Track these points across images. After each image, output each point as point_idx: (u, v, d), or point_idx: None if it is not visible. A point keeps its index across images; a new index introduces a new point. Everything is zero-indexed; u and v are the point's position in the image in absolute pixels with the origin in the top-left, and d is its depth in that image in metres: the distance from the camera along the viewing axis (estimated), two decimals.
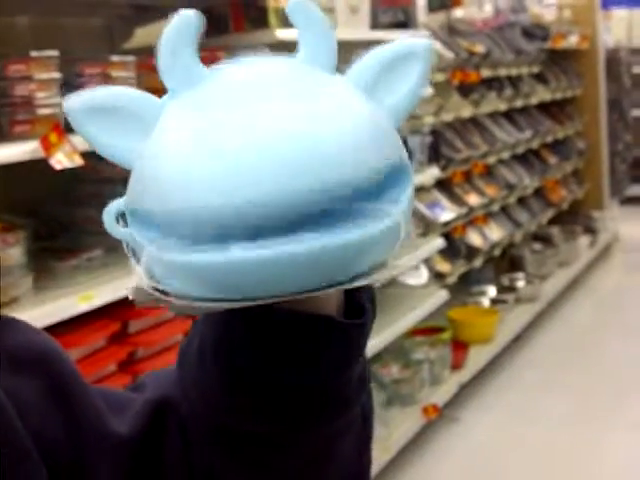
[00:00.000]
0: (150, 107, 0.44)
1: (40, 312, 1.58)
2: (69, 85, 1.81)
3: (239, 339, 0.48)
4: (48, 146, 1.62)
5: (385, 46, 0.46)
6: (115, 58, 1.92)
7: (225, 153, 0.39)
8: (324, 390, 0.48)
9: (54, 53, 1.75)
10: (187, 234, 0.40)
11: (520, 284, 4.53)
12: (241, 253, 0.39)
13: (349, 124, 0.41)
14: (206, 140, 0.40)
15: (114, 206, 0.46)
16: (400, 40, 0.46)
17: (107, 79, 1.88)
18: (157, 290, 0.43)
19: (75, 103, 0.44)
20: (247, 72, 0.44)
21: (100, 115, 0.44)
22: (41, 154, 1.61)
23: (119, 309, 1.80)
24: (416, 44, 0.45)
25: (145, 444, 0.53)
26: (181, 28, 0.42)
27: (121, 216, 0.45)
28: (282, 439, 0.50)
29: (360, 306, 0.50)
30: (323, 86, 0.43)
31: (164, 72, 0.44)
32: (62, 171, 1.65)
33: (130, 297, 0.45)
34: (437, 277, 3.62)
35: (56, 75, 1.75)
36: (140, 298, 0.45)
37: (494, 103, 4.56)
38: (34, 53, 1.72)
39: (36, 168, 1.66)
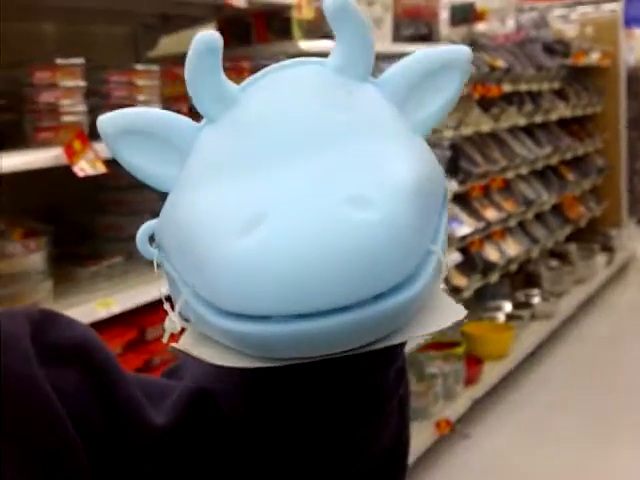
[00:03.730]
0: (185, 135, 0.43)
1: None
2: (94, 93, 1.82)
3: None
4: (72, 153, 1.63)
5: (427, 52, 0.44)
6: (140, 67, 1.93)
7: (266, 237, 0.36)
8: (362, 395, 0.48)
9: (80, 61, 1.77)
10: (218, 303, 0.38)
11: (536, 300, 4.50)
12: (279, 327, 0.37)
13: (397, 209, 0.37)
14: (245, 216, 0.37)
15: (149, 226, 0.44)
16: (442, 48, 0.44)
17: (132, 87, 1.90)
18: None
19: (107, 122, 0.43)
20: (277, 109, 0.42)
21: (133, 137, 0.43)
22: (64, 161, 1.63)
23: (137, 316, 1.80)
24: (459, 53, 0.44)
25: (183, 435, 0.52)
26: (203, 52, 0.40)
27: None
28: (320, 440, 0.50)
29: None
30: (362, 139, 0.40)
31: (195, 100, 0.42)
32: (85, 178, 1.66)
33: (168, 349, 0.44)
34: (453, 291, 3.61)
35: (81, 83, 1.76)
36: (177, 351, 0.43)
37: (514, 118, 4.55)
38: (59, 60, 1.74)
39: (59, 175, 1.68)
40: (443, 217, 0.43)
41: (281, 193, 0.37)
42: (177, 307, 0.42)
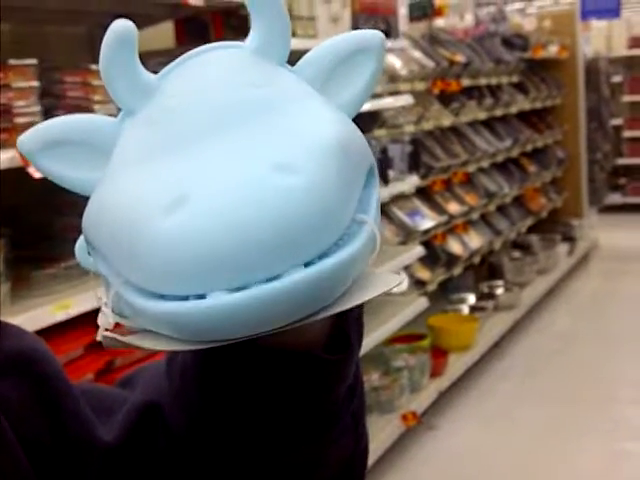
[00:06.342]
0: (106, 134, 0.43)
1: (17, 321, 1.54)
2: (49, 94, 1.81)
3: (220, 371, 0.47)
4: None
5: (338, 39, 0.44)
6: (95, 67, 1.92)
7: (188, 216, 0.36)
8: (307, 415, 0.48)
9: (33, 61, 1.75)
10: (149, 283, 0.38)
11: (499, 292, 4.56)
12: (212, 301, 0.36)
13: (320, 171, 0.37)
14: (168, 196, 0.37)
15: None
16: (353, 33, 0.44)
17: (87, 87, 1.88)
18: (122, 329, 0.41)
19: (27, 140, 0.42)
20: (195, 91, 0.41)
21: (54, 149, 0.42)
22: (19, 163, 1.61)
23: (97, 318, 1.79)
24: (371, 37, 0.44)
25: (131, 451, 0.52)
26: (115, 43, 0.40)
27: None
28: (268, 457, 0.50)
29: (345, 335, 0.49)
30: (281, 110, 0.40)
31: (110, 92, 0.42)
32: (41, 179, 1.65)
33: (99, 338, 0.43)
34: (417, 284, 3.64)
35: (35, 83, 1.75)
36: (108, 341, 0.42)
37: (474, 112, 4.59)
38: (12, 61, 1.72)
39: (15, 176, 1.66)
40: (373, 190, 0.43)
41: (202, 169, 0.37)
42: (109, 301, 0.41)
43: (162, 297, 0.37)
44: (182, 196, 0.36)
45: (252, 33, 0.43)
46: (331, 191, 0.37)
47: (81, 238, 0.44)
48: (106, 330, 0.42)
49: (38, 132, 0.43)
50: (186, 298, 0.37)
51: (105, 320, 0.42)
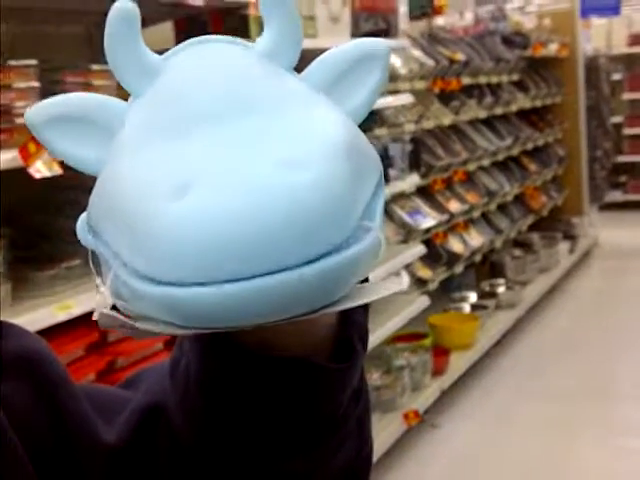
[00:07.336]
0: (114, 114, 0.42)
1: (18, 322, 1.54)
2: (49, 94, 1.80)
3: (224, 378, 0.47)
4: (27, 155, 1.62)
5: (345, 47, 0.44)
6: (96, 67, 1.92)
7: (195, 202, 0.36)
8: (311, 421, 0.48)
9: (33, 62, 1.75)
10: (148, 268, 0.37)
11: (500, 290, 4.56)
12: (210, 289, 0.36)
13: (329, 168, 0.37)
14: (173, 181, 0.37)
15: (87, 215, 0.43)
16: (359, 41, 0.44)
17: (88, 88, 1.88)
18: (120, 313, 0.40)
19: (34, 113, 0.42)
20: (200, 78, 0.41)
21: (62, 124, 0.42)
22: (20, 163, 1.61)
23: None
24: (378, 45, 0.44)
25: (134, 452, 0.52)
26: (119, 21, 0.39)
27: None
28: (271, 461, 0.50)
29: (350, 344, 0.48)
30: (286, 108, 0.40)
31: (116, 73, 0.41)
32: (41, 180, 1.64)
33: (94, 318, 0.42)
34: (418, 283, 3.64)
35: (35, 84, 1.75)
36: (104, 320, 0.41)
37: (474, 111, 4.59)
38: (12, 62, 1.72)
39: (15, 177, 1.66)
40: (379, 199, 0.42)
41: (209, 158, 0.37)
42: (108, 282, 0.40)
43: (160, 282, 0.37)
44: (187, 183, 0.36)
45: (264, 35, 0.43)
46: (338, 189, 0.37)
47: (83, 215, 0.43)
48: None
49: (45, 105, 0.42)
50: (187, 284, 0.37)
51: (102, 300, 0.41)
